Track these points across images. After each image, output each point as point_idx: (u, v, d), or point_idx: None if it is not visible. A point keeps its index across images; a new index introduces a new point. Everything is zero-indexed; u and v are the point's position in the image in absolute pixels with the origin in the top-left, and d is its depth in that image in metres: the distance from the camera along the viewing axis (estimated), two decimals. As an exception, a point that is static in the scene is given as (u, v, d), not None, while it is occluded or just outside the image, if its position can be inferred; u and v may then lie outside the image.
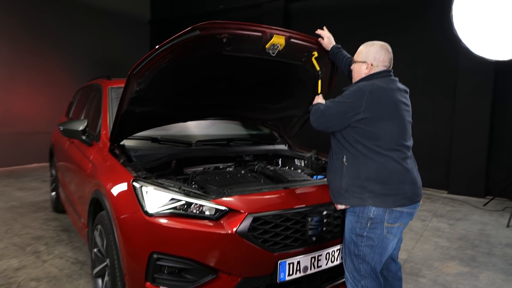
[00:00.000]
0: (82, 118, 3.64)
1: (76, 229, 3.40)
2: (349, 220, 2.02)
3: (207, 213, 1.92)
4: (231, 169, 2.77)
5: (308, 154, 3.05)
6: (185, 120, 2.84)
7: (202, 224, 1.86)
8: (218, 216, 1.90)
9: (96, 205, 2.48)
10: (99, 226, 2.34)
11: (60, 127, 2.87)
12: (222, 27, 2.08)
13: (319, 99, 2.20)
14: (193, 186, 2.35)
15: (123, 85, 3.25)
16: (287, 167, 2.96)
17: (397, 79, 2.09)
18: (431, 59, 6.35)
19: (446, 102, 6.20)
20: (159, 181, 2.07)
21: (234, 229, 1.83)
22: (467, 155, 5.98)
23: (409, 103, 2.07)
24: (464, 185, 5.94)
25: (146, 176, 2.15)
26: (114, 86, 3.24)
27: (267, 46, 2.28)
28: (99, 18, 8.80)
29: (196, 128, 3.32)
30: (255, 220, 1.89)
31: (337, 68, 2.75)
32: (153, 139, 2.74)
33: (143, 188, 1.97)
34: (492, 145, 5.93)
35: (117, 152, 2.54)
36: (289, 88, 2.83)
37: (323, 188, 2.23)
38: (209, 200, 1.92)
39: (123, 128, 2.47)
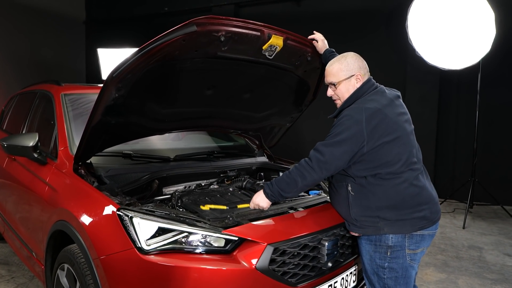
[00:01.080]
0: (25, 130, 3.07)
1: (21, 259, 2.83)
2: (365, 249, 1.84)
3: (214, 244, 1.62)
4: (215, 186, 2.48)
5: (292, 167, 2.86)
6: (164, 132, 2.49)
7: (212, 260, 1.56)
8: (230, 248, 1.61)
9: (59, 238, 2.04)
10: (66, 266, 1.90)
11: (4, 143, 2.34)
12: (221, 24, 1.84)
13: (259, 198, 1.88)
14: (182, 209, 2.04)
15: (78, 92, 2.88)
16: None
17: (383, 87, 1.95)
18: (381, 68, 6.56)
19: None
20: (148, 208, 1.73)
21: (254, 264, 1.56)
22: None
23: (405, 109, 1.93)
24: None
25: (130, 202, 1.79)
26: (67, 92, 2.76)
27: (264, 47, 2.08)
28: (27, 15, 7.84)
29: (165, 141, 2.96)
30: (275, 251, 1.63)
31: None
32: (125, 155, 2.34)
33: (134, 219, 1.61)
34: (438, 151, 6.28)
35: (83, 172, 2.12)
36: (276, 95, 2.63)
37: (331, 207, 2.04)
38: (219, 231, 1.62)
39: (92, 143, 2.07)
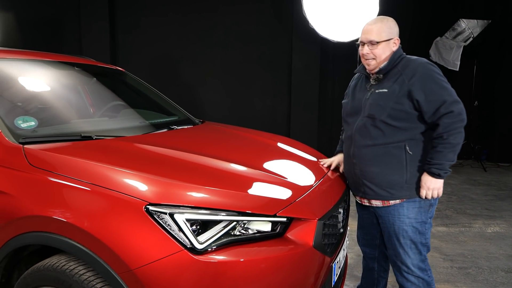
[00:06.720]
0: None
1: None
2: (407, 212, 1.90)
3: (263, 230, 1.49)
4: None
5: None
6: None
7: (273, 247, 1.43)
8: (281, 231, 1.51)
9: (15, 255, 1.56)
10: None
11: None
12: None
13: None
14: None
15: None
16: None
17: None
18: (267, 38, 6.81)
19: (284, 78, 6.87)
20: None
21: (311, 243, 1.50)
22: (303, 124, 6.89)
23: None
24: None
25: None
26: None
27: None
28: None
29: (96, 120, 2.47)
30: (324, 225, 1.60)
31: None
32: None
33: (176, 216, 1.34)
34: (320, 115, 7.00)
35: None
36: None
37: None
38: (275, 215, 1.48)
39: None
